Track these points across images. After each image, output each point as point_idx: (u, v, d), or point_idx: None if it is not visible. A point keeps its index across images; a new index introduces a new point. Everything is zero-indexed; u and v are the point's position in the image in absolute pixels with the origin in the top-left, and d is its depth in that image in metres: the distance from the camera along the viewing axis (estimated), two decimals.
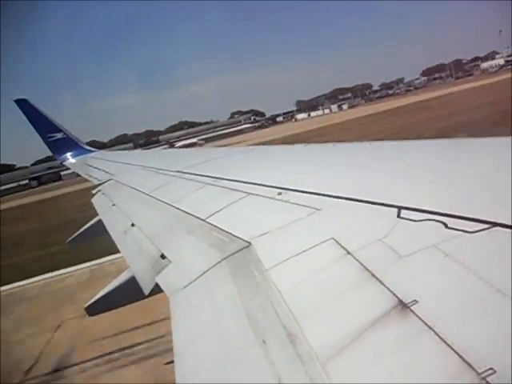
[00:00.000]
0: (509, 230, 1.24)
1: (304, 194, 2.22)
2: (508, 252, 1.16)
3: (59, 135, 14.49)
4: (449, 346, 0.92)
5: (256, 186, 2.73)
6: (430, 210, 1.52)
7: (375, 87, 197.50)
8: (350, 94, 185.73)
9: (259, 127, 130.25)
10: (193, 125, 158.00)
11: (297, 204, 2.12)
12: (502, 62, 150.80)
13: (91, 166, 10.30)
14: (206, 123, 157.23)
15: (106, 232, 3.91)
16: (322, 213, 1.90)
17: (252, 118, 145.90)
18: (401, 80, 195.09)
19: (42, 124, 14.30)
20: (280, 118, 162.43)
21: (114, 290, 2.82)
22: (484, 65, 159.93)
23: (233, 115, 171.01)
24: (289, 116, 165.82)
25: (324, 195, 2.08)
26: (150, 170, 5.83)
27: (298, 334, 1.18)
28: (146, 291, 2.22)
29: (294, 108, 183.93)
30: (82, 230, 6.03)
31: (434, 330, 0.97)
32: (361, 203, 1.83)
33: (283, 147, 4.64)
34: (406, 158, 2.59)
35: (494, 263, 1.15)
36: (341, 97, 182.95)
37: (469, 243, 1.26)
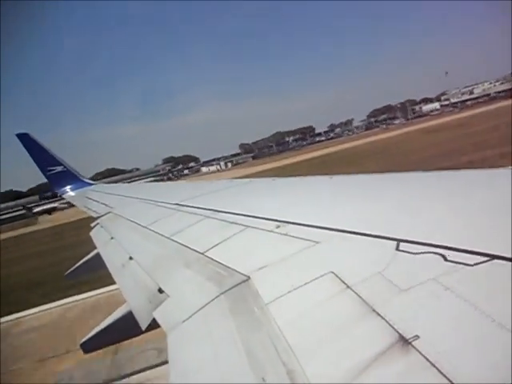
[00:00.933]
0: (508, 263, 1.24)
1: (302, 227, 2.22)
2: (508, 285, 1.15)
3: (59, 168, 14.60)
4: (451, 382, 0.90)
5: (254, 218, 2.74)
6: (429, 243, 1.52)
7: (325, 128, 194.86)
8: (291, 138, 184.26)
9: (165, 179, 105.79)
10: (118, 172, 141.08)
11: (295, 237, 2.12)
12: (437, 106, 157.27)
13: (90, 198, 10.31)
14: (130, 171, 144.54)
15: (105, 265, 3.87)
16: (321, 246, 1.90)
17: (167, 167, 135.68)
18: (350, 121, 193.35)
19: (42, 157, 14.43)
20: (202, 167, 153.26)
21: (110, 326, 2.77)
22: (424, 108, 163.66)
23: (165, 161, 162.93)
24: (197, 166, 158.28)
25: (322, 228, 2.08)
26: (149, 202, 5.84)
27: (298, 372, 1.15)
28: (143, 326, 2.18)
29: (238, 151, 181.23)
30: (80, 262, 6.00)
31: (436, 367, 0.96)
32: (359, 236, 1.83)
33: (281, 180, 4.66)
34: (404, 190, 2.61)
35: (494, 296, 1.14)
36: (282, 140, 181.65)
37: (469, 276, 1.25)
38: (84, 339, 2.88)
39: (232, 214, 3.12)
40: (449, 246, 1.45)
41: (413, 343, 1.06)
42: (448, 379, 0.91)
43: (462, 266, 1.31)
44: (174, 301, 2.12)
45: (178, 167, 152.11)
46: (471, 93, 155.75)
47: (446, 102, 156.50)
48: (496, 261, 1.27)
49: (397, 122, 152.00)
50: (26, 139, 14.14)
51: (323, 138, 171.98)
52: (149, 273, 2.76)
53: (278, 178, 4.68)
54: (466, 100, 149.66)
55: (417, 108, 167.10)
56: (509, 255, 1.26)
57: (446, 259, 1.38)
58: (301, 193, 3.66)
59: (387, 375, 1.01)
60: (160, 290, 2.34)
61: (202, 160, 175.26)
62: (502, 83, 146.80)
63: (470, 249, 1.38)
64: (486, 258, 1.30)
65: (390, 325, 1.16)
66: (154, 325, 2.09)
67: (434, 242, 1.51)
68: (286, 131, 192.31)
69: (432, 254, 1.44)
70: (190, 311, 1.83)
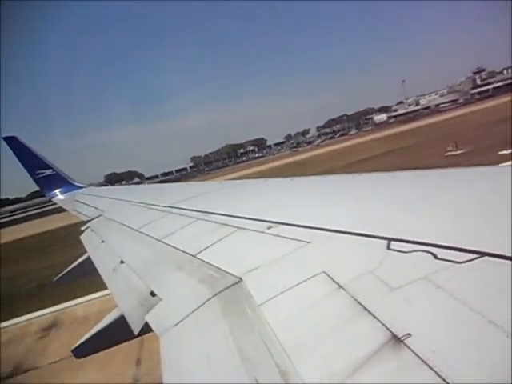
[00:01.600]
0: (497, 260, 1.25)
1: (294, 228, 2.22)
2: (497, 281, 1.17)
3: (48, 172, 14.45)
4: (443, 379, 0.91)
5: (246, 220, 2.73)
6: (420, 241, 1.53)
7: (281, 139, 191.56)
8: (242, 150, 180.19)
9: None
10: None
11: (287, 238, 2.12)
12: (384, 117, 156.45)
13: (80, 202, 10.22)
14: None
15: (95, 269, 3.84)
16: (313, 246, 1.90)
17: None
18: (307, 131, 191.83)
19: (30, 161, 14.27)
20: None
21: (102, 330, 2.74)
22: (376, 118, 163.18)
23: (107, 178, 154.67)
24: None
25: (314, 228, 2.09)
26: (140, 205, 5.81)
27: (291, 372, 1.15)
28: (136, 330, 2.16)
29: (190, 164, 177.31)
30: (70, 267, 5.94)
31: (427, 364, 0.96)
32: (351, 235, 1.84)
33: (272, 180, 4.67)
34: (394, 189, 2.62)
35: (485, 293, 1.15)
36: (233, 153, 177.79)
37: (459, 274, 1.26)
38: (75, 345, 2.85)
39: (223, 215, 3.11)
40: (439, 244, 1.46)
41: (405, 341, 1.06)
42: (440, 376, 0.92)
43: (451, 263, 1.32)
44: (166, 304, 2.11)
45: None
46: (417, 104, 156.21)
47: (394, 114, 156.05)
48: (485, 258, 1.28)
49: (352, 132, 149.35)
50: (13, 143, 13.98)
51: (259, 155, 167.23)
52: (140, 276, 2.74)
53: (270, 179, 4.69)
54: (408, 112, 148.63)
55: (375, 117, 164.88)
56: (498, 252, 1.28)
57: (436, 257, 1.39)
58: (292, 193, 3.67)
59: (380, 373, 1.02)
60: (152, 294, 2.32)
61: (147, 176, 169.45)
62: (443, 95, 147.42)
63: (459, 246, 1.39)
64: (475, 256, 1.31)
65: (382, 323, 1.16)
66: (146, 329, 2.07)
67: (424, 241, 1.52)
68: (237, 143, 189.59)
69: (422, 253, 1.45)
70: (183, 314, 1.82)
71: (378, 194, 2.62)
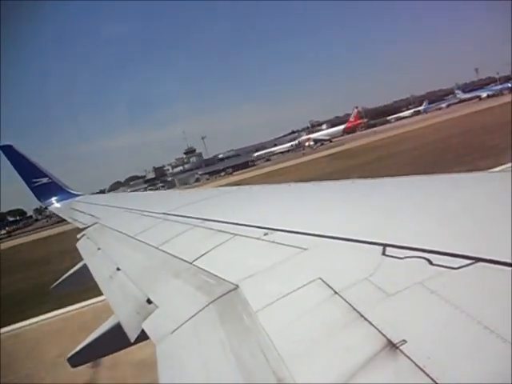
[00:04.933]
0: (492, 265, 1.26)
1: (290, 234, 2.23)
2: (492, 287, 1.18)
3: (44, 180, 14.44)
4: None
5: (242, 226, 2.74)
6: (415, 247, 1.54)
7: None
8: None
9: None
10: None
11: (283, 244, 2.13)
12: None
13: (76, 209, 10.20)
14: None
15: (92, 277, 3.83)
16: (309, 252, 1.91)
17: None
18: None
19: (26, 169, 14.25)
20: None
21: (98, 338, 2.73)
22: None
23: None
24: None
25: (310, 235, 2.09)
26: (136, 212, 5.80)
27: (287, 380, 1.16)
28: (132, 338, 2.16)
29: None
30: (66, 275, 5.91)
31: (424, 371, 0.97)
32: (346, 242, 1.85)
33: (268, 186, 4.68)
34: (389, 195, 2.64)
35: (480, 299, 1.16)
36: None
37: (453, 279, 1.27)
38: (71, 353, 2.83)
39: (220, 222, 3.11)
40: (434, 249, 1.47)
41: (400, 348, 1.07)
42: (436, 383, 0.92)
43: (446, 269, 1.33)
44: (162, 311, 2.11)
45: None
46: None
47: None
48: (480, 263, 1.29)
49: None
50: (9, 151, 13.96)
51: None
52: (137, 283, 2.74)
53: (266, 185, 4.70)
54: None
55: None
56: (492, 258, 1.29)
57: (431, 263, 1.40)
58: (288, 200, 3.68)
59: (376, 380, 1.02)
60: (148, 301, 2.32)
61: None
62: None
63: (454, 252, 1.40)
64: (469, 261, 1.32)
65: (377, 330, 1.17)
66: (143, 336, 2.06)
67: (419, 247, 1.53)
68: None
69: (417, 259, 1.46)
70: (179, 321, 1.82)
71: (373, 200, 2.63)
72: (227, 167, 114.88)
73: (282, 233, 2.30)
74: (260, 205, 3.84)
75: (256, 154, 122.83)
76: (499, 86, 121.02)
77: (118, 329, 2.39)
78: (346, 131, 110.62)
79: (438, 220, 1.82)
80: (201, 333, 1.68)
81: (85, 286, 5.18)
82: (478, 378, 0.91)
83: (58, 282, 6.04)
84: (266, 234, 2.38)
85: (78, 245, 5.73)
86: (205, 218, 3.45)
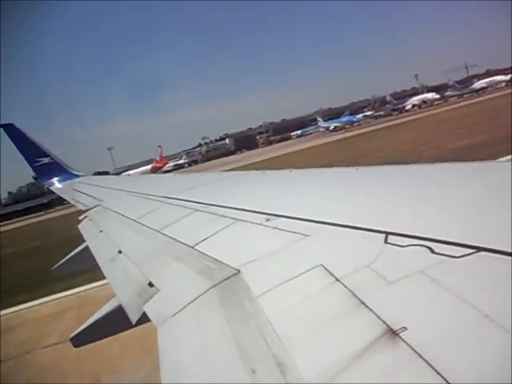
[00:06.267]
0: (494, 255, 1.26)
1: (292, 220, 2.23)
2: (493, 276, 1.18)
3: (46, 160, 14.44)
4: (439, 373, 0.92)
5: (244, 212, 2.74)
6: (417, 235, 1.54)
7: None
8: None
9: None
10: None
11: (285, 230, 2.13)
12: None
13: (78, 191, 10.21)
14: None
15: (93, 259, 3.85)
16: (311, 239, 1.91)
17: None
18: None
19: (28, 149, 14.25)
20: None
21: (100, 320, 2.77)
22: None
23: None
24: None
25: (312, 221, 2.10)
26: (139, 195, 5.80)
27: (287, 364, 1.17)
28: (133, 320, 2.18)
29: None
30: (68, 256, 5.95)
31: (423, 358, 0.97)
32: (348, 229, 1.85)
33: (271, 172, 4.67)
34: (393, 182, 2.63)
35: (481, 288, 1.16)
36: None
37: (455, 268, 1.28)
38: (74, 333, 2.88)
39: (222, 207, 3.11)
40: (436, 238, 1.47)
41: (400, 335, 1.08)
42: (435, 370, 0.93)
43: (448, 258, 1.33)
44: (164, 295, 2.13)
45: None
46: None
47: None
48: (482, 253, 1.29)
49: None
50: (11, 130, 13.95)
51: None
52: (138, 266, 2.75)
53: (268, 171, 4.69)
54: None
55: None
56: (494, 247, 1.29)
57: (433, 251, 1.40)
58: (291, 186, 3.67)
59: (376, 366, 1.03)
60: (150, 284, 2.34)
61: None
62: None
63: (456, 241, 1.40)
64: (471, 250, 1.32)
65: (378, 316, 1.18)
66: (144, 319, 2.09)
67: (421, 235, 1.53)
68: None
69: (419, 247, 1.46)
70: (180, 305, 1.83)
71: (376, 187, 2.62)
72: None
73: (284, 219, 2.31)
74: (262, 190, 3.84)
75: None
76: (345, 118, 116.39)
77: (119, 311, 2.41)
78: (153, 171, 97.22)
79: (441, 209, 1.82)
80: (202, 316, 1.70)
81: (86, 267, 5.22)
82: (478, 366, 0.91)
83: (59, 263, 6.09)
84: (267, 220, 2.38)
85: (80, 226, 5.76)
86: (207, 202, 3.45)
